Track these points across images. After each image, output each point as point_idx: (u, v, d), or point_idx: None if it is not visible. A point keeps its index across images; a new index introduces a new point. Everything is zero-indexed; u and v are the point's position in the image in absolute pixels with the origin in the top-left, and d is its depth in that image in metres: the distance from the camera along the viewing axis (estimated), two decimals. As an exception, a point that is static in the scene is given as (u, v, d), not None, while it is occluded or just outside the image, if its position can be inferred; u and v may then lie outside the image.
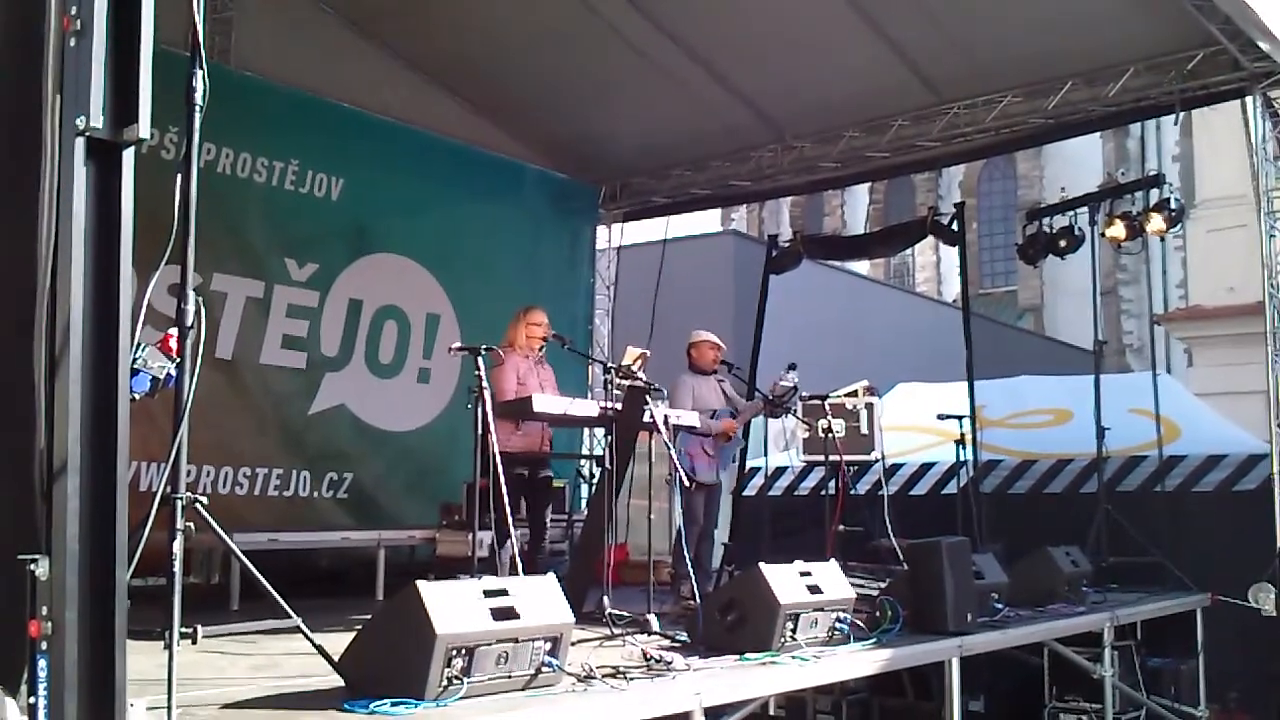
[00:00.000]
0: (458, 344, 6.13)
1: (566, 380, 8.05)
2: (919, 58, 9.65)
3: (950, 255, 31.26)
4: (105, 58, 2.76)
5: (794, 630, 5.27)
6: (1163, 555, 8.54)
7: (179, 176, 3.60)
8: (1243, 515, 8.85)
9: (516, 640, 3.97)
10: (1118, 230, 9.29)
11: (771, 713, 7.44)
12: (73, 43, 2.75)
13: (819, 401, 8.35)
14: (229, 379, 8.96)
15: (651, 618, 5.81)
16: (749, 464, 10.59)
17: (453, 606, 3.80)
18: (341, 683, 3.92)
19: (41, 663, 2.68)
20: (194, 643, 3.62)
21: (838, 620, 5.54)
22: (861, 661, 5.44)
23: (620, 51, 9.91)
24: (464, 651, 3.79)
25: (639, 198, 12.27)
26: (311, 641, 4.02)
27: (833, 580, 5.62)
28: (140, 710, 3.01)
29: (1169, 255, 28.75)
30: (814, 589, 5.42)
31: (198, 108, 3.66)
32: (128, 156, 2.85)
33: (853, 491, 8.86)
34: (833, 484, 8.30)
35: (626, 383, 6.37)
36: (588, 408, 6.75)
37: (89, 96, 2.72)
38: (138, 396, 3.49)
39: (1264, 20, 8.01)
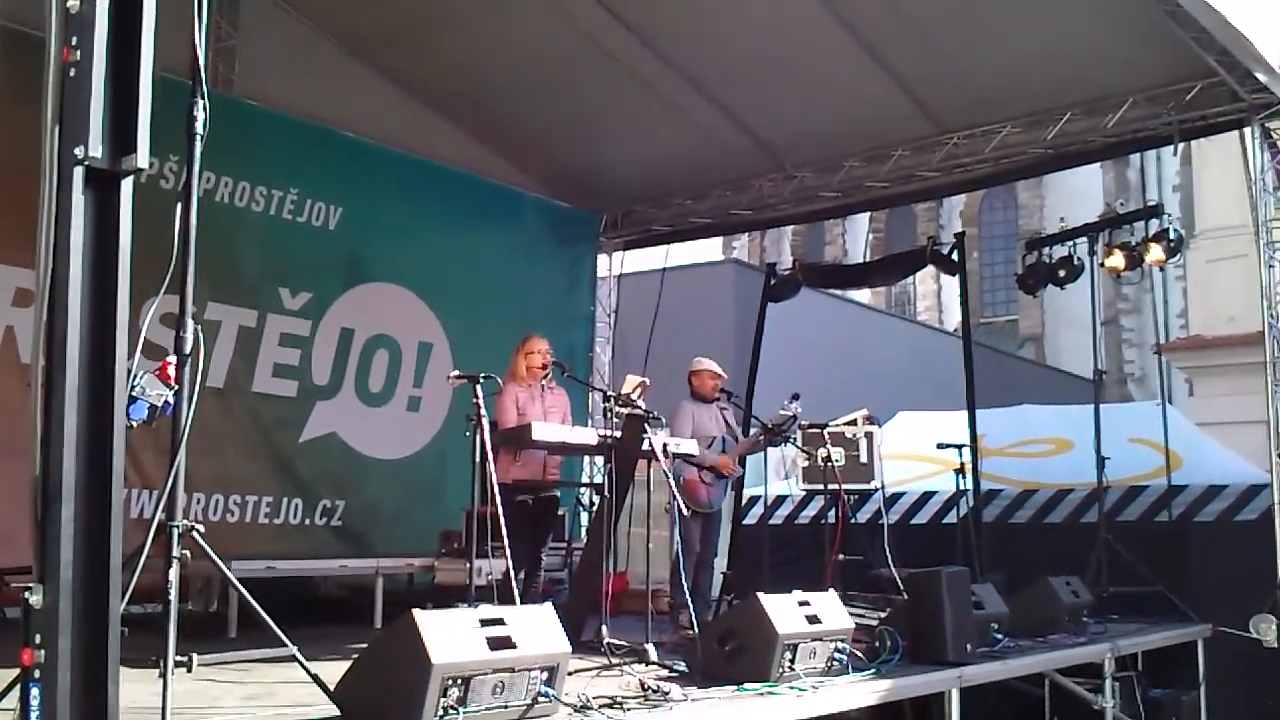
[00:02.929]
0: (456, 372, 6.13)
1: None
2: (919, 88, 9.70)
3: (951, 284, 31.21)
4: (104, 88, 2.78)
5: (792, 660, 5.25)
6: (1164, 586, 8.51)
7: (179, 206, 3.62)
8: (1244, 546, 8.82)
9: (513, 670, 3.96)
10: (1117, 260, 9.32)
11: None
12: (72, 73, 2.77)
13: (818, 430, 8.34)
14: (220, 407, 8.95)
15: (649, 647, 5.78)
16: (749, 492, 10.57)
17: (449, 636, 3.79)
18: (337, 712, 3.91)
19: (34, 691, 2.67)
20: (189, 671, 3.60)
21: (836, 650, 5.53)
22: (860, 692, 5.41)
23: (621, 81, 9.96)
24: (460, 681, 3.78)
25: (640, 226, 12.29)
26: (307, 670, 4.00)
27: (831, 610, 5.60)
28: (134, 740, 3.00)
29: (1170, 285, 28.78)
30: (813, 619, 5.41)
31: (198, 137, 3.68)
32: (126, 186, 2.86)
33: (853, 520, 8.83)
34: (833, 513, 8.28)
35: (626, 411, 6.37)
36: (587, 435, 6.74)
37: (88, 126, 2.73)
38: (136, 424, 3.50)
39: (1261, 52, 8.05)
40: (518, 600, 5.57)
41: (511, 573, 5.71)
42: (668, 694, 4.64)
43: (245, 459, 9.22)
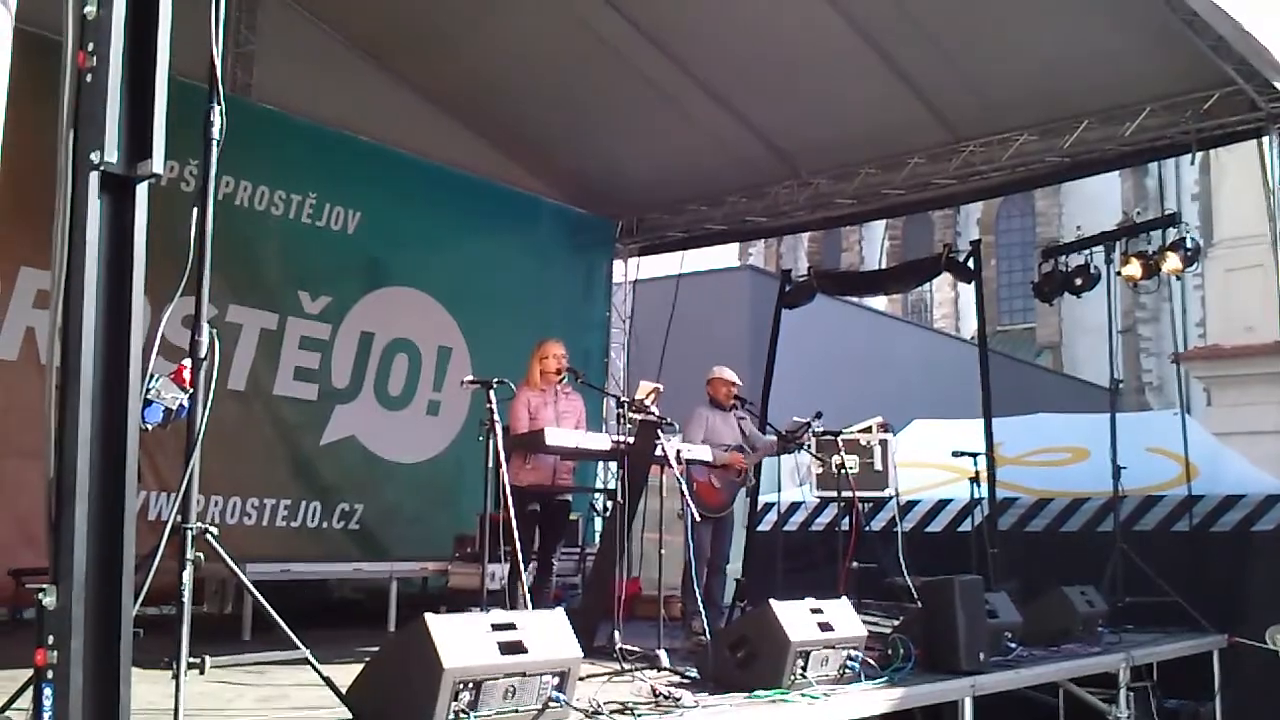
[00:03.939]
0: (470, 376, 6.15)
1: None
2: (934, 96, 9.69)
3: (968, 291, 31.09)
4: (120, 94, 2.80)
5: (804, 667, 5.24)
6: (1179, 596, 8.46)
7: (195, 210, 3.65)
8: (1261, 556, 8.77)
9: (524, 674, 3.97)
10: (1134, 269, 9.27)
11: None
12: (88, 79, 2.80)
13: (833, 437, 8.33)
14: (241, 410, 9.01)
15: (662, 653, 5.79)
16: (763, 499, 10.55)
17: (461, 640, 3.81)
18: (349, 715, 3.92)
19: (47, 691, 2.69)
20: (202, 673, 3.61)
21: (849, 658, 5.51)
22: (872, 700, 5.39)
23: (637, 87, 9.99)
24: (471, 685, 3.79)
25: (655, 232, 12.31)
26: (319, 673, 4.02)
27: (844, 617, 5.60)
28: (146, 741, 3.02)
29: (1188, 294, 28.67)
30: (825, 626, 5.40)
31: (215, 142, 3.71)
32: (141, 191, 2.89)
33: (867, 528, 8.81)
34: (847, 520, 8.26)
35: (639, 417, 6.38)
36: (600, 441, 6.75)
37: (104, 132, 2.75)
38: (151, 427, 3.53)
39: (1279, 60, 8.03)
40: (527, 604, 5.58)
41: (522, 576, 5.71)
42: (679, 700, 4.65)
43: (265, 462, 9.30)
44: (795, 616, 5.28)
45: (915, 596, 7.16)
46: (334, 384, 9.80)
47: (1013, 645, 6.68)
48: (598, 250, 12.36)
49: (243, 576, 4.16)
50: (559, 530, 7.49)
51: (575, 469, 7.59)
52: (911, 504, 10.22)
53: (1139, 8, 8.15)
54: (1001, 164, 9.95)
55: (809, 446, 8.21)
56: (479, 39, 9.81)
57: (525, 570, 5.85)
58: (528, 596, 5.68)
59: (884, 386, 18.31)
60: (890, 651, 5.87)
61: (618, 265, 12.58)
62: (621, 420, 6.44)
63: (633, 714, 4.39)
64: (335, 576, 9.16)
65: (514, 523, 5.55)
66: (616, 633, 5.92)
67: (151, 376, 3.50)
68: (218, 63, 3.57)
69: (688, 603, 7.35)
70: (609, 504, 7.63)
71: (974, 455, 8.86)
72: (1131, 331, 32.54)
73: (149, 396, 3.50)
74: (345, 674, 4.08)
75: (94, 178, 2.77)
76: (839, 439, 8.29)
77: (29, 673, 2.87)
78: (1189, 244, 9.15)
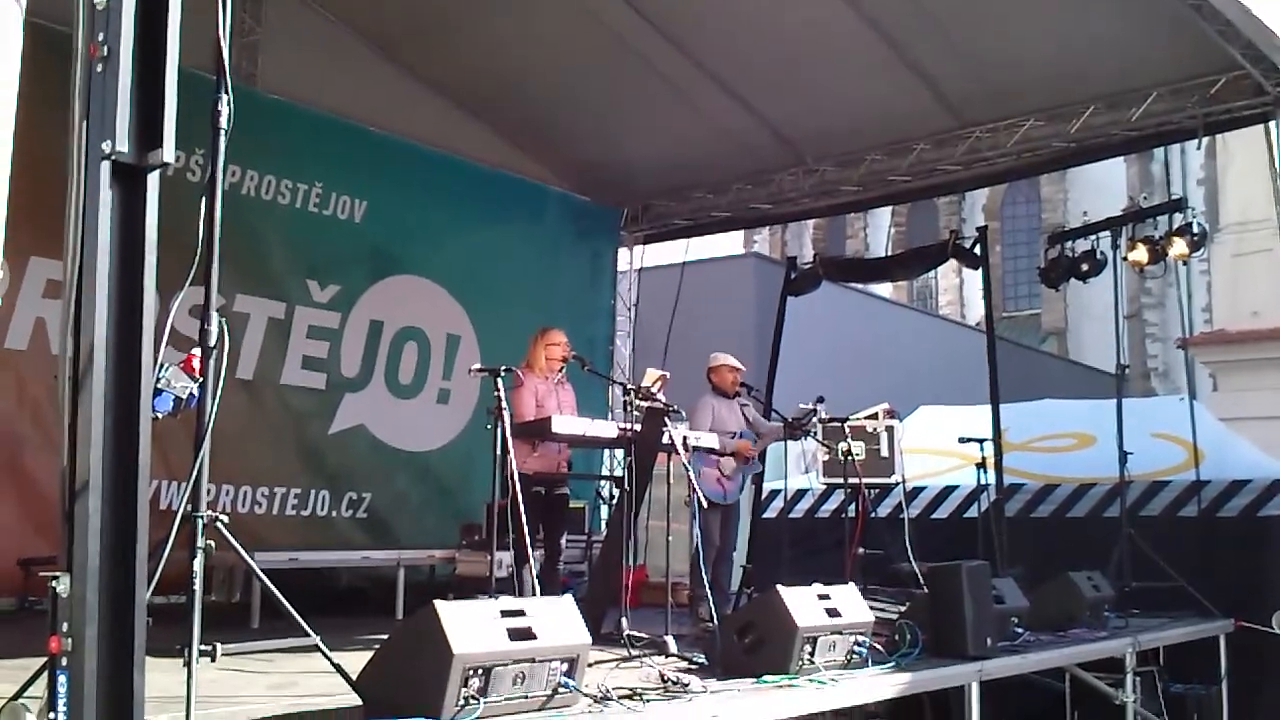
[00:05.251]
0: (478, 365, 6.17)
1: (587, 401, 8.07)
2: (940, 81, 9.67)
3: (974, 277, 30.99)
4: (131, 84, 2.81)
5: (812, 653, 5.25)
6: (1186, 581, 8.47)
7: (204, 200, 3.65)
8: (1268, 541, 8.77)
9: (533, 660, 3.98)
10: (1140, 254, 9.26)
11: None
12: (99, 69, 2.81)
13: (839, 424, 8.33)
14: (249, 399, 9.03)
15: (669, 639, 5.81)
16: (769, 486, 10.56)
17: (470, 626, 3.81)
18: (359, 702, 3.94)
19: (61, 678, 2.71)
20: (213, 660, 3.63)
21: (856, 643, 5.53)
22: (880, 685, 5.41)
23: (642, 75, 9.98)
24: (481, 671, 3.79)
25: (660, 220, 12.31)
26: (330, 660, 4.03)
27: (851, 603, 5.61)
28: (159, 727, 3.04)
29: (1194, 279, 28.61)
30: (832, 612, 5.41)
31: (222, 132, 3.71)
32: (152, 180, 2.90)
33: (873, 515, 8.82)
34: (853, 507, 8.27)
35: (645, 404, 6.39)
36: (607, 429, 6.77)
37: (115, 121, 2.77)
38: (160, 416, 3.53)
39: (1287, 45, 8.02)
40: (534, 590, 5.60)
41: (531, 563, 5.73)
42: (687, 686, 4.66)
43: (274, 451, 9.32)
44: (802, 602, 5.29)
45: (922, 582, 7.17)
46: (343, 373, 9.83)
47: (1019, 630, 6.70)
48: (603, 238, 12.37)
49: (254, 565, 4.17)
50: (561, 518, 7.52)
51: (571, 457, 7.62)
52: (918, 490, 10.21)
53: (1145, -8, 8.14)
54: (1007, 150, 9.94)
55: (815, 433, 8.22)
56: (485, 29, 9.79)
57: (532, 557, 5.87)
58: (536, 583, 5.69)
59: (890, 373, 18.30)
60: (897, 637, 5.89)
61: (623, 253, 12.58)
62: (628, 408, 6.45)
63: (641, 700, 4.40)
64: (343, 565, 9.19)
65: (523, 510, 5.57)
66: (624, 619, 5.94)
67: (161, 366, 3.50)
68: (226, 52, 3.57)
69: (695, 589, 7.37)
70: (615, 491, 7.64)
71: (980, 441, 8.87)
72: (1137, 317, 32.54)
73: (159, 386, 3.51)
74: (354, 661, 4.09)
75: (105, 167, 2.79)
76: (845, 425, 8.30)
77: (40, 660, 2.89)
78: (1195, 229, 9.14)
